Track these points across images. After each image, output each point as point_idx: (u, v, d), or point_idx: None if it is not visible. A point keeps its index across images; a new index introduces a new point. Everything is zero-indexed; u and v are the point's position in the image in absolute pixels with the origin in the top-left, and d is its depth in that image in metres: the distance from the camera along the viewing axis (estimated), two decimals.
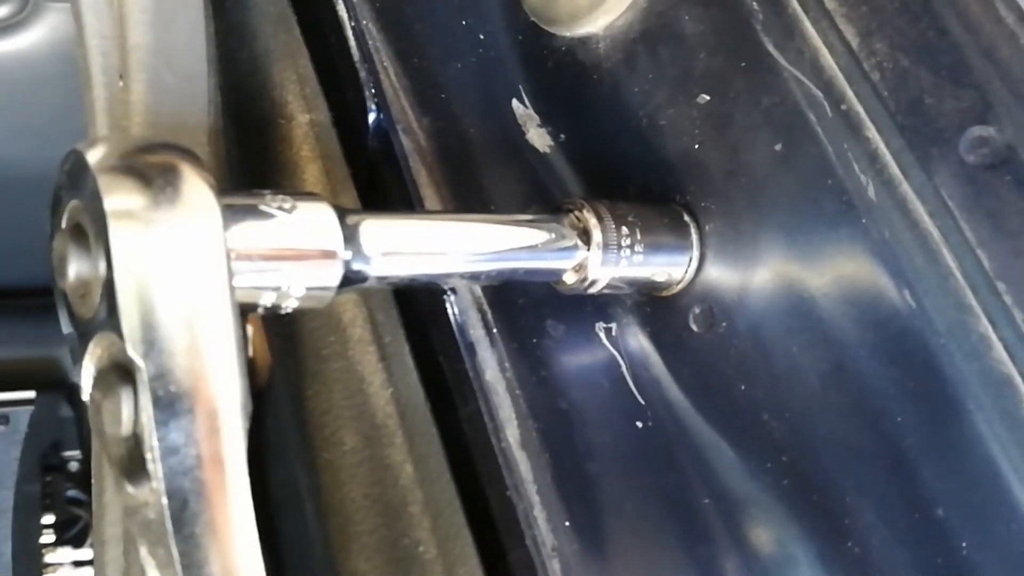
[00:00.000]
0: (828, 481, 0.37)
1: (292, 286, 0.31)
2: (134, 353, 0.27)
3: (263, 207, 0.31)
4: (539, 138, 0.45)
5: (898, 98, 0.34)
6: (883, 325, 0.34)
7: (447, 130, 0.46)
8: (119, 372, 0.27)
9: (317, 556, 0.41)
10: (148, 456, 0.27)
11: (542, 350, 0.42)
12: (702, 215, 0.39)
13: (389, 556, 0.39)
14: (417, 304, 0.43)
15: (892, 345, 0.34)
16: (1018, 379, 0.31)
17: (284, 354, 0.43)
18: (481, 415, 0.40)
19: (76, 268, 0.28)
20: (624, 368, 0.42)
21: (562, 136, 0.45)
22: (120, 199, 0.27)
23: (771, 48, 0.36)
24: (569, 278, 0.38)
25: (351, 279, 0.33)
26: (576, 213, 0.38)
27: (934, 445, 0.34)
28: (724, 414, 0.40)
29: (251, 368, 0.45)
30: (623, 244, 0.38)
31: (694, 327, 0.40)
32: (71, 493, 1.03)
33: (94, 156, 0.28)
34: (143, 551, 0.29)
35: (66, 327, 0.31)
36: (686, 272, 0.40)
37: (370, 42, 0.46)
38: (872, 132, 0.34)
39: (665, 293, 0.41)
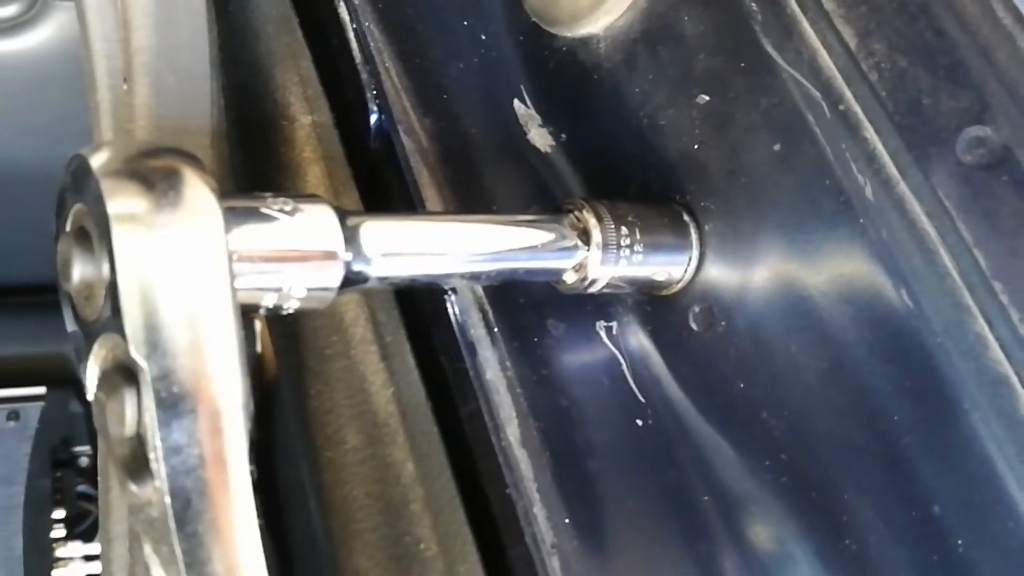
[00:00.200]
0: (826, 479, 0.37)
1: (293, 287, 0.32)
2: (137, 354, 0.27)
3: (264, 209, 0.31)
4: (540, 138, 0.45)
5: (896, 98, 0.34)
6: (881, 324, 0.34)
7: (449, 131, 0.46)
8: (123, 373, 0.28)
9: (322, 552, 0.41)
10: (151, 456, 0.28)
11: (543, 349, 0.42)
12: (702, 215, 0.40)
13: (391, 554, 0.39)
14: (418, 304, 0.43)
15: (889, 344, 0.34)
16: (1014, 378, 0.32)
17: (287, 354, 0.43)
18: (482, 414, 0.40)
19: (80, 270, 0.29)
20: (624, 367, 0.42)
21: (563, 136, 0.45)
22: (123, 203, 0.28)
23: (770, 48, 0.37)
24: (569, 277, 0.38)
25: (352, 280, 0.33)
26: (576, 213, 0.38)
27: (931, 443, 0.34)
28: (724, 412, 0.40)
29: (260, 364, 0.45)
30: (623, 244, 0.38)
31: (694, 326, 0.40)
32: (81, 488, 1.03)
33: (97, 160, 0.29)
34: (147, 549, 0.29)
35: (71, 328, 0.31)
36: (686, 271, 0.40)
37: (372, 43, 0.46)
38: (870, 132, 0.34)
39: (665, 292, 0.41)
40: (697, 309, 0.40)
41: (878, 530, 0.35)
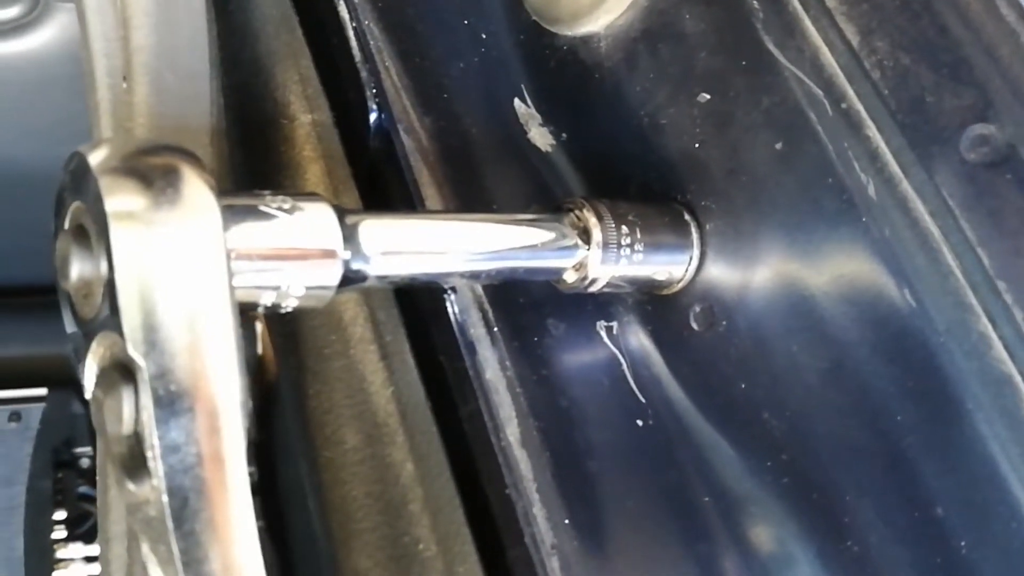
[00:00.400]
0: (828, 480, 0.37)
1: (292, 286, 0.31)
2: (135, 352, 0.27)
3: (263, 207, 0.31)
4: (541, 137, 0.45)
5: (898, 96, 0.34)
6: (883, 324, 0.34)
7: (449, 130, 0.46)
8: (121, 371, 0.28)
9: (321, 552, 0.41)
10: (149, 454, 0.27)
11: (543, 349, 0.42)
12: (702, 214, 0.39)
13: (390, 554, 0.39)
14: (418, 303, 0.43)
15: (892, 344, 0.34)
16: (1018, 378, 0.31)
17: (286, 353, 0.43)
18: (481, 414, 0.40)
19: (79, 269, 0.28)
20: (625, 366, 0.42)
21: (564, 135, 0.45)
22: (121, 201, 0.28)
23: (771, 47, 0.36)
24: (569, 277, 0.38)
25: (351, 278, 0.33)
26: (576, 212, 0.38)
27: (934, 444, 0.34)
28: (724, 412, 0.40)
29: (261, 364, 0.45)
30: (623, 243, 0.38)
31: (695, 326, 0.40)
32: (83, 489, 1.03)
33: (96, 158, 0.29)
34: (145, 548, 0.29)
35: (69, 327, 0.31)
36: (686, 271, 0.40)
37: (372, 42, 0.46)
38: (872, 131, 0.34)
39: (666, 292, 0.41)
40: (698, 309, 0.40)
41: (880, 531, 0.35)
